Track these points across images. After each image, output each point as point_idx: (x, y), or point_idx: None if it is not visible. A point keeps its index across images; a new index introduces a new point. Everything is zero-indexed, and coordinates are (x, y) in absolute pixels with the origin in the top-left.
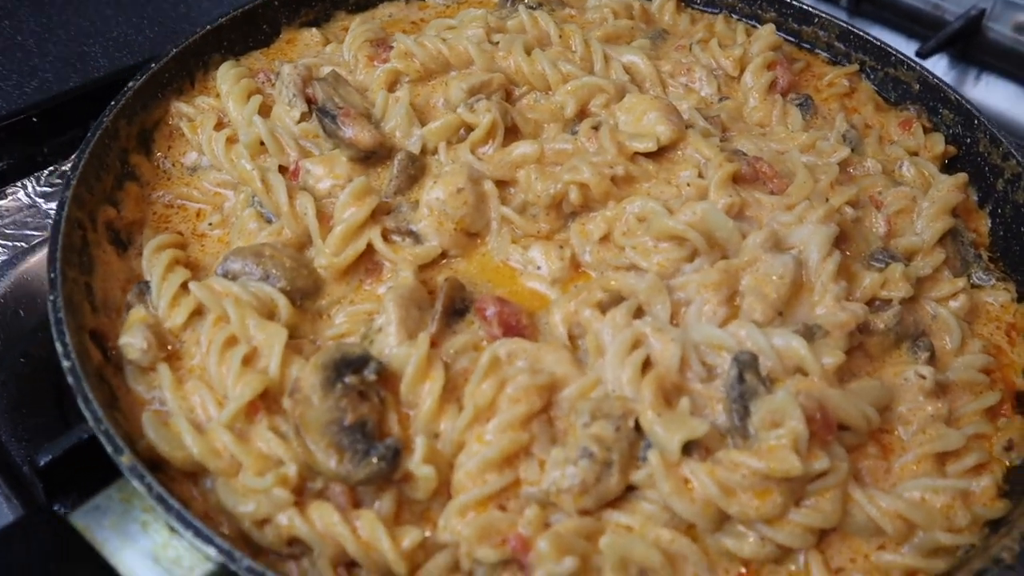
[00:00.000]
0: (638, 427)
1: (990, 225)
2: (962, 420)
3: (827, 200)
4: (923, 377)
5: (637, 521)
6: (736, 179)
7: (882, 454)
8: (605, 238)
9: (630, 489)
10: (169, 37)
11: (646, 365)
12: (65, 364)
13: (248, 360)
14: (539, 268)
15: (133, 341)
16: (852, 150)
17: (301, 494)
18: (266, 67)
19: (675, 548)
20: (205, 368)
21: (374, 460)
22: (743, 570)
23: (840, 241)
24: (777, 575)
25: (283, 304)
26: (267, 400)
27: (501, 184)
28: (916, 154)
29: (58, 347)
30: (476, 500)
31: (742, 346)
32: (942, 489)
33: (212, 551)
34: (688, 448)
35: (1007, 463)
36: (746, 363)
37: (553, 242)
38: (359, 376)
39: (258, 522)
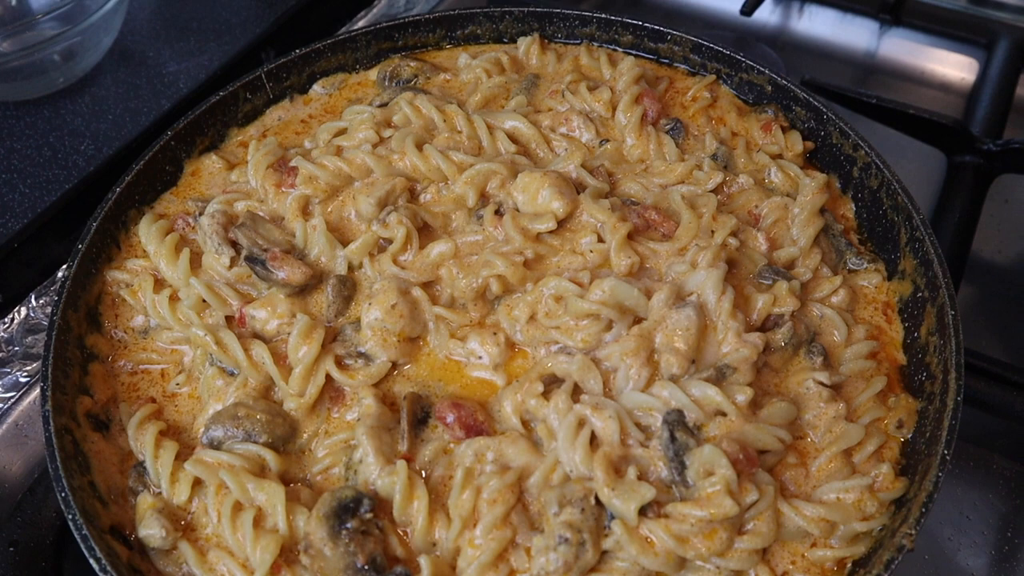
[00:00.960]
0: (599, 501)
1: (855, 209)
2: (859, 411)
3: (712, 234)
4: (822, 384)
5: None
6: (630, 234)
7: (800, 460)
8: (531, 318)
9: (604, 552)
10: (45, 187)
11: (593, 439)
12: None
13: (257, 522)
14: (480, 358)
15: (152, 532)
16: (725, 167)
17: None
18: (182, 210)
19: None
20: (221, 536)
21: None
22: None
23: (730, 268)
24: None
25: (271, 458)
26: (284, 555)
27: (427, 285)
28: (780, 156)
29: (93, 564)
30: None
31: (668, 405)
32: (851, 488)
33: None
34: (643, 508)
35: (901, 439)
36: (674, 422)
37: (487, 329)
38: (358, 517)
39: None
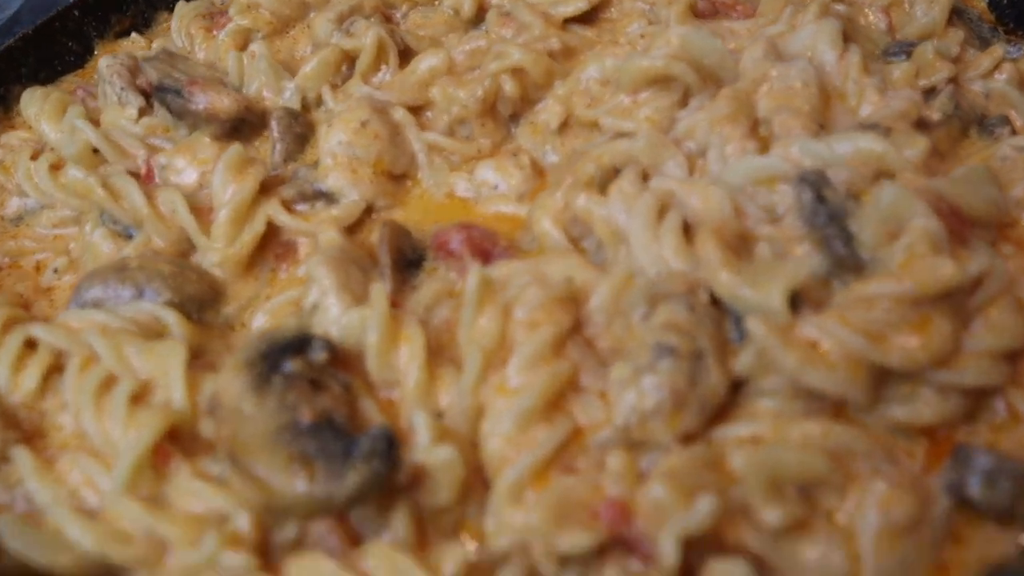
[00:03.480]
0: (714, 300)
1: None
2: None
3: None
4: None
5: (765, 427)
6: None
7: (1019, 250)
8: (565, 124)
9: (735, 391)
10: None
11: (686, 232)
12: None
13: (139, 399)
14: (496, 187)
15: None
16: None
17: (265, 555)
18: (83, 84)
19: (833, 442)
20: (83, 435)
21: (360, 460)
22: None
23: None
24: (977, 435)
25: (174, 321)
26: (180, 443)
27: (415, 111)
28: None
29: None
30: (530, 471)
31: (799, 167)
32: None
33: None
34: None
35: None
36: (817, 182)
37: (503, 154)
38: (303, 359)
39: None
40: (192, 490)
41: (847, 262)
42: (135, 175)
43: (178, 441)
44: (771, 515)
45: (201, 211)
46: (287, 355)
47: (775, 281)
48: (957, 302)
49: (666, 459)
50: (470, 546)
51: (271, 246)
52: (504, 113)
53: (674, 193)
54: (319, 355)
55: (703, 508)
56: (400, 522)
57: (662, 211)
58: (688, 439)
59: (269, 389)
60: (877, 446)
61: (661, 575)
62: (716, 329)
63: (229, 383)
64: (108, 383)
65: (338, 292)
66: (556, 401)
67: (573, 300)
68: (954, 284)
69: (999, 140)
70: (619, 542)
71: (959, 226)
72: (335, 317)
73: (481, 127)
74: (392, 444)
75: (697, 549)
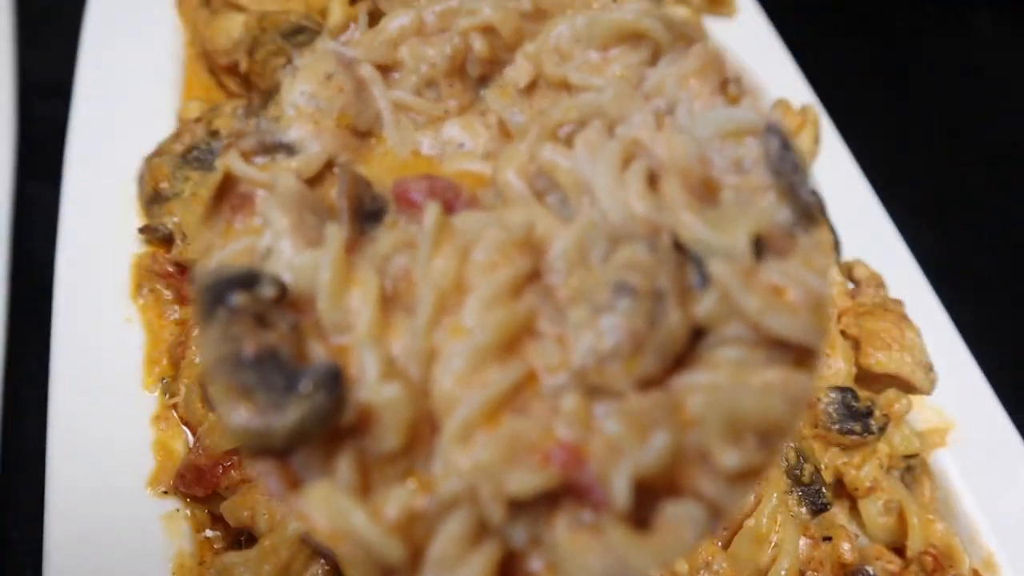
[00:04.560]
0: (678, 246)
1: None
2: None
3: None
4: None
5: (724, 376)
6: None
7: None
8: (534, 85)
9: (697, 339)
10: None
11: (652, 183)
12: None
13: None
14: (462, 145)
15: None
16: None
17: None
18: None
19: (794, 390)
20: None
21: (303, 393)
22: None
23: None
24: None
25: None
26: None
27: (383, 71)
28: None
29: None
30: (481, 410)
31: (769, 119)
32: None
33: None
34: (758, 250)
35: None
36: (784, 132)
37: (471, 113)
38: (250, 294)
39: None
40: None
41: (812, 210)
42: None
43: None
44: (728, 457)
45: None
46: (233, 288)
47: (740, 224)
48: None
49: (622, 405)
50: (416, 491)
51: (228, 197)
52: (473, 74)
53: (640, 142)
54: (267, 291)
55: (658, 442)
56: (345, 468)
57: (628, 160)
58: (646, 385)
59: (212, 321)
60: None
61: (614, 519)
62: (678, 272)
63: None
64: None
65: (292, 234)
66: (511, 345)
67: (534, 247)
68: None
69: None
70: (571, 490)
71: None
72: (288, 259)
73: (449, 87)
74: (337, 379)
75: (652, 497)
